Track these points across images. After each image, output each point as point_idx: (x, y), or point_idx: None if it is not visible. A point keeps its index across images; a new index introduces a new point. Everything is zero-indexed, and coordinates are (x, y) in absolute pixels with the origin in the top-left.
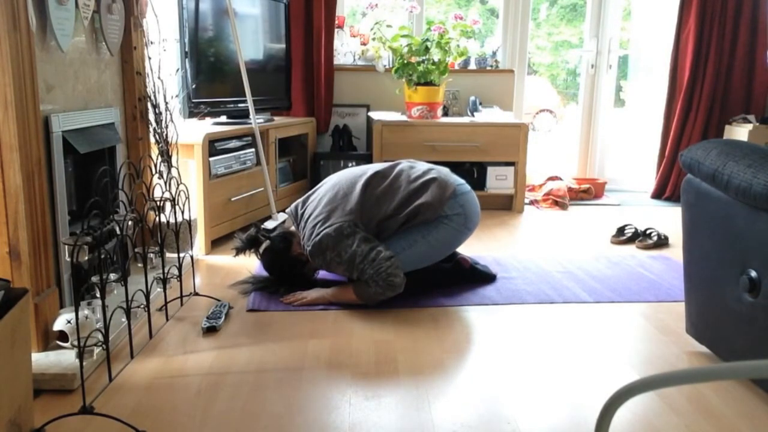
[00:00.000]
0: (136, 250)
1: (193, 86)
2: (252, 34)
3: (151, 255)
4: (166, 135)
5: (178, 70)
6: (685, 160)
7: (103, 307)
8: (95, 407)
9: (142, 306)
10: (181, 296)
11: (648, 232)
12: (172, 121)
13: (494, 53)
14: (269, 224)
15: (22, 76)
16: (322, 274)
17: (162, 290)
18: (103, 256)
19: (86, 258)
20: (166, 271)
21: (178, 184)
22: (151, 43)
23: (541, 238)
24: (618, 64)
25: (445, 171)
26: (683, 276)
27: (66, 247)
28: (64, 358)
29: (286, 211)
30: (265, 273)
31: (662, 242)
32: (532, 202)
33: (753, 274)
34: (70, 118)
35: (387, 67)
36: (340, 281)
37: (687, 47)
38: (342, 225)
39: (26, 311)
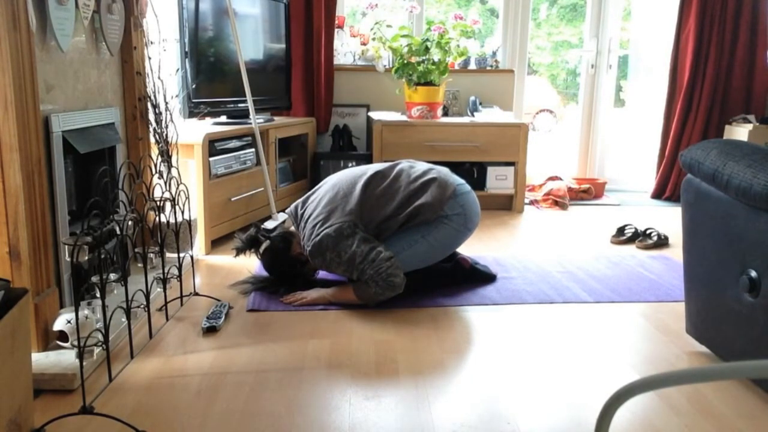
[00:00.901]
0: (136, 250)
1: (193, 86)
2: (252, 34)
3: (151, 255)
4: (166, 135)
5: (178, 70)
6: (685, 160)
7: (103, 307)
8: (95, 407)
9: (142, 306)
10: (181, 296)
11: (648, 232)
12: (172, 121)
13: (494, 53)
14: (269, 224)
15: (22, 76)
16: (322, 274)
17: (162, 290)
18: (103, 256)
19: (86, 258)
20: (166, 271)
21: (178, 184)
22: (151, 43)
23: (541, 238)
24: (618, 64)
25: (445, 171)
26: (683, 276)
27: (66, 247)
28: (64, 358)
29: (286, 211)
30: (265, 273)
31: (662, 242)
32: (532, 202)
33: (753, 274)
34: (70, 118)
35: (387, 67)
36: (340, 281)
37: (687, 47)
38: (342, 225)
39: (26, 311)
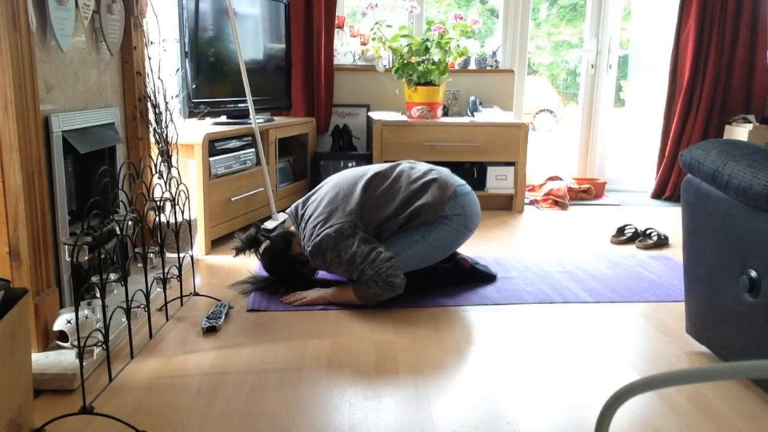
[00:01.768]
0: (136, 250)
1: (193, 86)
2: (252, 34)
3: (151, 255)
4: (166, 135)
5: (178, 70)
6: (685, 160)
7: (103, 307)
8: (95, 407)
9: (142, 306)
10: (181, 296)
11: (648, 232)
12: (172, 121)
13: (494, 53)
14: (269, 224)
15: (22, 76)
16: (322, 274)
17: (162, 290)
18: (103, 256)
19: (86, 258)
20: (166, 271)
21: (178, 184)
22: (151, 43)
23: (541, 238)
24: (618, 64)
25: (445, 171)
26: (683, 276)
27: (66, 247)
28: (64, 358)
29: (286, 211)
30: (265, 273)
31: (662, 242)
32: (532, 202)
33: (753, 274)
34: (70, 118)
35: (387, 67)
36: (340, 281)
37: (687, 47)
38: (342, 226)
39: (26, 311)
